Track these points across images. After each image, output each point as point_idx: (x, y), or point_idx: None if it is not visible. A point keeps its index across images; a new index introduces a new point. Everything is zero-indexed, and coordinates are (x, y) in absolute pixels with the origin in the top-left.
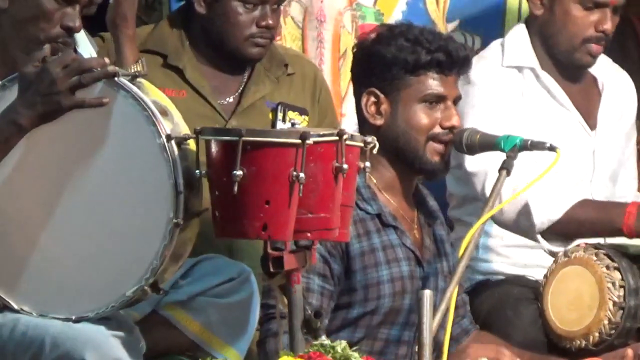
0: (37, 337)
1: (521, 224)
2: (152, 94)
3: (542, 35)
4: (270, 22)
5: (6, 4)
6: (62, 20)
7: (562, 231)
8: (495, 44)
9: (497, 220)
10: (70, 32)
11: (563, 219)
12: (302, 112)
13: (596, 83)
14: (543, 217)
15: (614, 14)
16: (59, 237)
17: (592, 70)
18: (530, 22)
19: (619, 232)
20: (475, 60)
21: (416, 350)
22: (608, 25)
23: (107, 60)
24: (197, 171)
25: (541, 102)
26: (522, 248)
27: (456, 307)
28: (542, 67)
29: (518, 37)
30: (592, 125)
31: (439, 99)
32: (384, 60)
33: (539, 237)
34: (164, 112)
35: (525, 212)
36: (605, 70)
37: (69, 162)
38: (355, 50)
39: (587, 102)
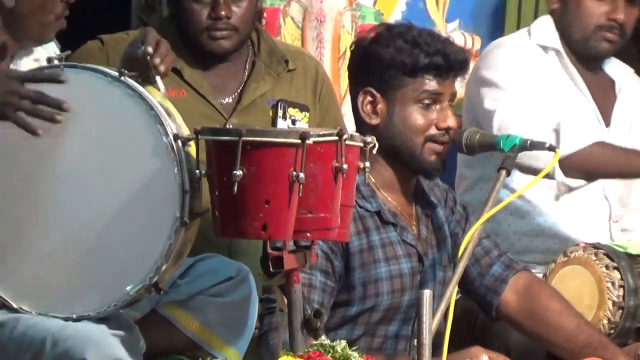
0: (37, 336)
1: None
2: (155, 96)
3: (560, 27)
4: (222, 12)
5: (13, 2)
6: None
7: (583, 164)
8: (521, 30)
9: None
10: (68, 4)
11: (587, 150)
12: (302, 108)
13: (613, 86)
14: (567, 144)
15: (630, 4)
16: (62, 234)
17: (610, 72)
18: (552, 16)
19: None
20: (502, 38)
21: (415, 344)
22: (620, 15)
23: (67, 105)
24: (197, 171)
25: (562, 85)
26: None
27: (478, 259)
28: (565, 54)
29: (544, 22)
30: (607, 123)
31: (434, 100)
32: (382, 61)
33: (556, 166)
34: (168, 114)
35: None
36: (624, 76)
37: (74, 160)
38: (353, 49)
39: (604, 99)
